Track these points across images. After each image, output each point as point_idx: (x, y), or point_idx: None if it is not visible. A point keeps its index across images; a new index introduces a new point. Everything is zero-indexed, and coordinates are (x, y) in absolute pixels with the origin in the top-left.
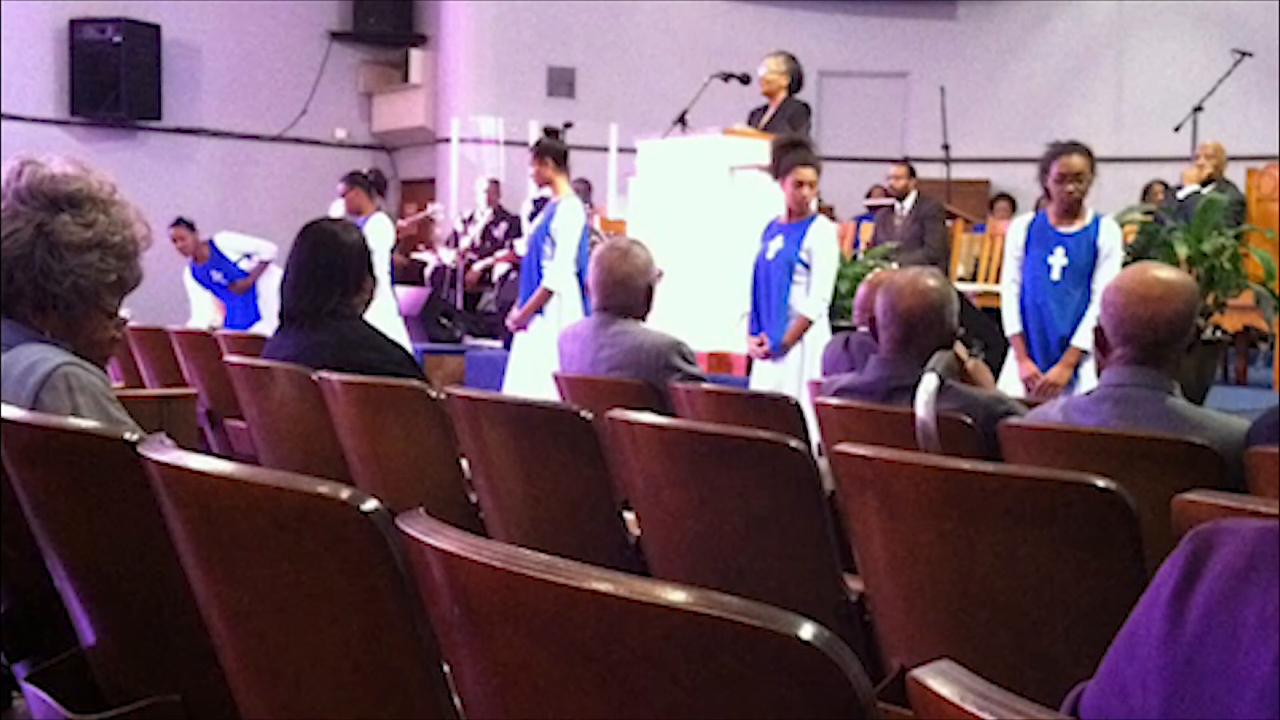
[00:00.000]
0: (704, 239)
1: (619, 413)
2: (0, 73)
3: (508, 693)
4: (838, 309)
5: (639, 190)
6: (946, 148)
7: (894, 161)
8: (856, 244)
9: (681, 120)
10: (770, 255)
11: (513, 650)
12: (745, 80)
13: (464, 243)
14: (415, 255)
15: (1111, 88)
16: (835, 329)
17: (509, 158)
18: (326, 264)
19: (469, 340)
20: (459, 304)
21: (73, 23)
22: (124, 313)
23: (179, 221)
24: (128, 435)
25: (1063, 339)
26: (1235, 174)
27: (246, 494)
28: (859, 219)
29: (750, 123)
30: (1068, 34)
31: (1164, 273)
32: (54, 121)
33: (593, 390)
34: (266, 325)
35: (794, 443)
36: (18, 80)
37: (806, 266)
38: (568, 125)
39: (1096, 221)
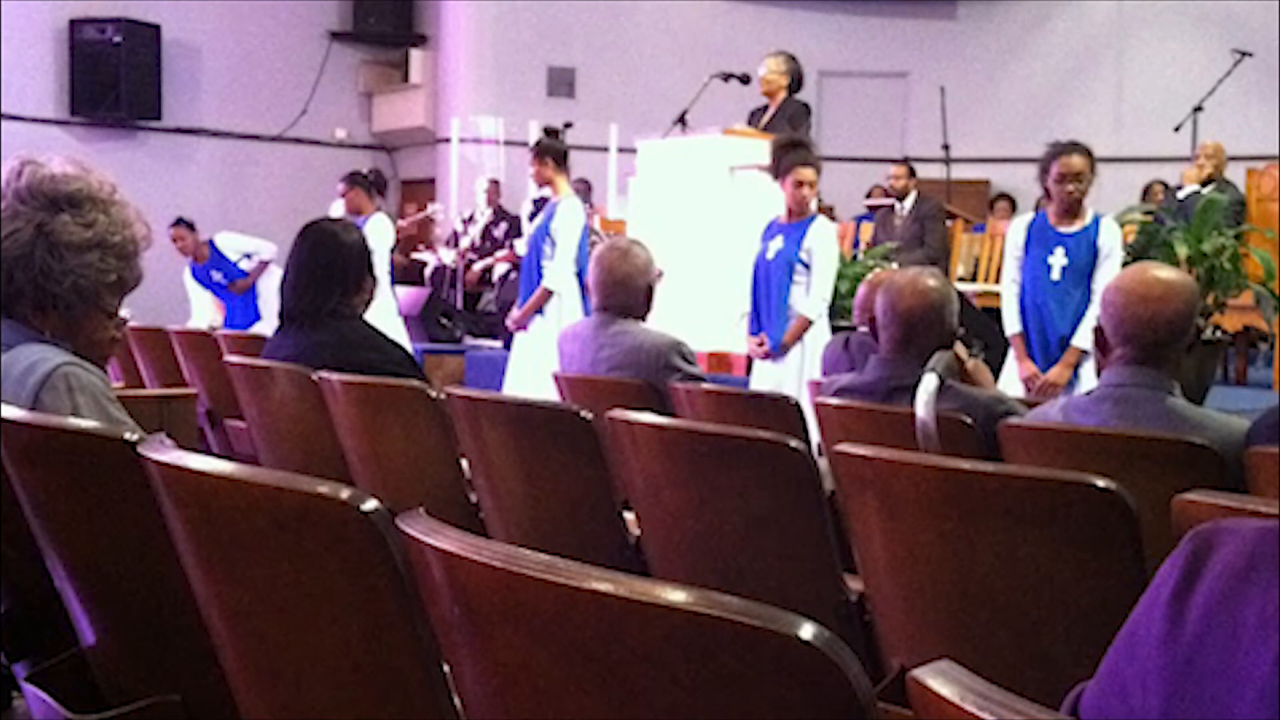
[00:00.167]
0: (704, 239)
1: (619, 413)
2: (0, 73)
3: (508, 693)
4: (838, 309)
5: (639, 190)
6: (946, 148)
7: (894, 161)
8: (856, 244)
9: (681, 120)
10: (770, 255)
11: (513, 650)
12: (745, 80)
13: (464, 243)
14: (415, 255)
15: (1111, 88)
16: (835, 329)
17: (509, 158)
18: (326, 264)
19: (469, 340)
20: (459, 304)
21: (73, 23)
22: (124, 313)
23: (179, 221)
24: (128, 435)
25: (1063, 339)
26: (1235, 174)
27: (246, 494)
28: (859, 219)
29: (750, 123)
30: (1068, 34)
31: (1164, 273)
32: (54, 121)
33: (593, 390)
34: (266, 325)
35: (794, 443)
36: (18, 80)
37: (806, 266)
38: (568, 125)
39: (1096, 221)
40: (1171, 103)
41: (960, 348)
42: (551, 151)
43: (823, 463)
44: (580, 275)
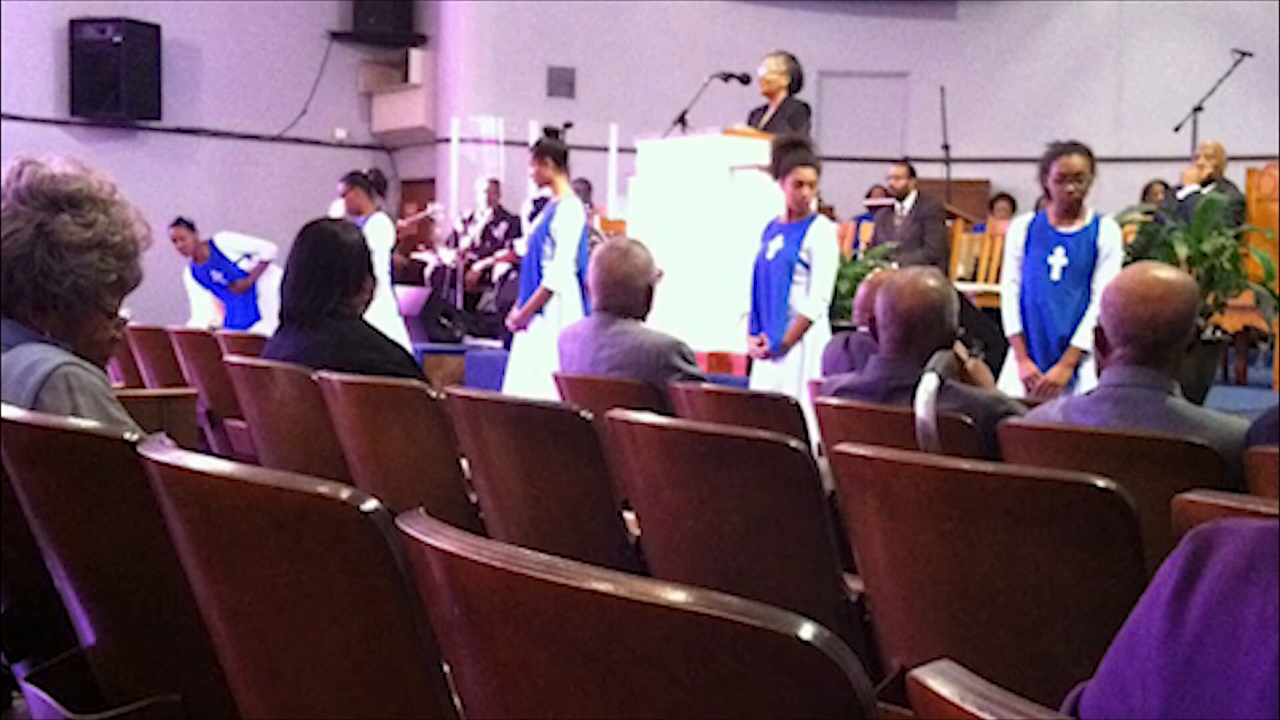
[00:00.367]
0: (704, 239)
1: (619, 413)
2: (0, 73)
3: (508, 693)
4: (838, 309)
5: (639, 190)
6: (946, 148)
7: (894, 161)
8: (856, 244)
9: (681, 120)
10: (770, 255)
11: (513, 650)
12: (745, 80)
13: (464, 243)
14: (415, 255)
15: (1111, 88)
16: (835, 329)
17: (509, 158)
18: (326, 264)
19: (469, 340)
20: (459, 304)
21: (73, 23)
22: (124, 313)
23: (179, 221)
24: (128, 435)
25: (1063, 339)
26: (1235, 174)
27: (246, 494)
28: (859, 219)
29: (750, 123)
30: (1068, 34)
31: (1164, 273)
32: (54, 121)
33: (593, 390)
34: (266, 325)
35: (794, 443)
36: (18, 80)
37: (806, 266)
38: (568, 125)
39: (1096, 221)
40: (1171, 103)
41: (960, 348)
42: (551, 151)
43: (823, 463)
44: (580, 275)
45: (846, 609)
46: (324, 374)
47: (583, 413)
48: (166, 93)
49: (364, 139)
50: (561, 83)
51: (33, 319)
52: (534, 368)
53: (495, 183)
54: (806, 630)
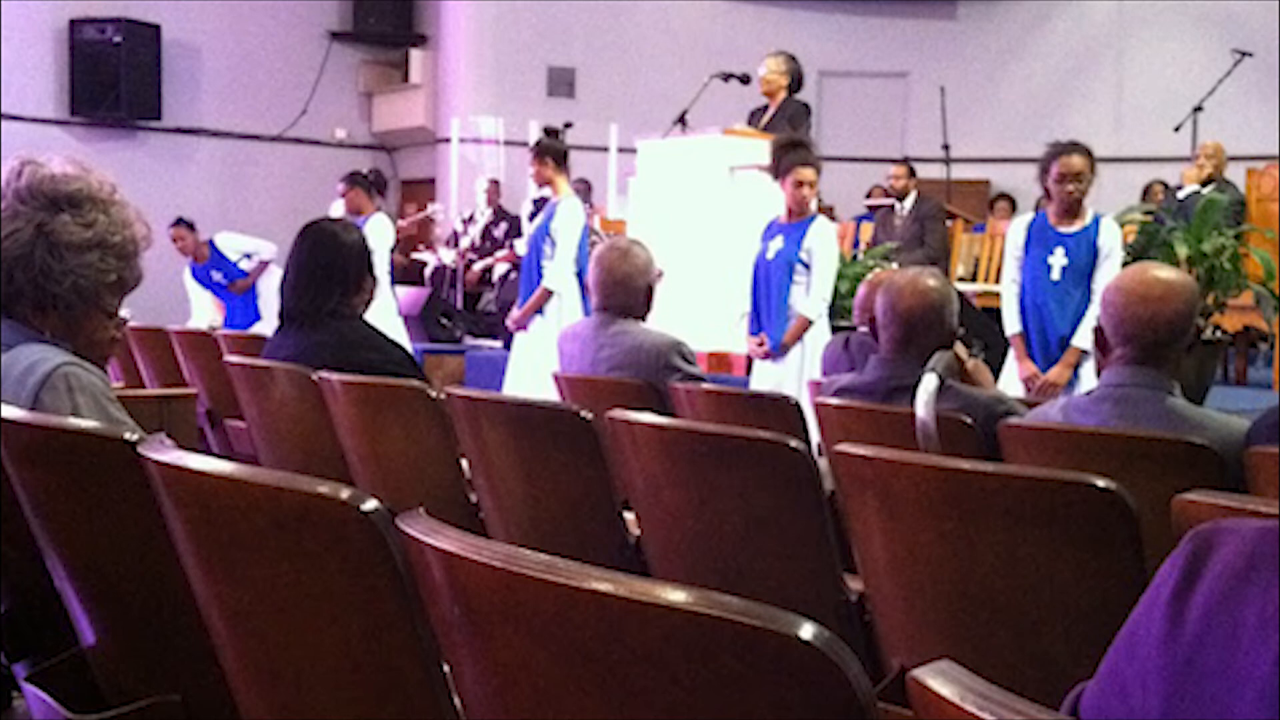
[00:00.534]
0: (704, 239)
1: (619, 413)
2: (0, 73)
3: (508, 693)
4: (838, 309)
5: (639, 190)
6: (946, 148)
7: (894, 161)
8: (856, 244)
9: (681, 120)
10: (770, 255)
11: (513, 650)
12: (745, 80)
13: (464, 243)
14: (415, 255)
15: (1111, 88)
16: (835, 329)
17: (509, 158)
18: (326, 264)
19: (469, 340)
20: (459, 304)
21: (73, 23)
22: (124, 313)
23: (179, 221)
24: (128, 435)
25: (1063, 339)
26: (1235, 174)
27: (246, 494)
28: (859, 219)
29: (750, 123)
30: (1068, 34)
31: (1164, 273)
32: (54, 121)
33: (593, 390)
34: (266, 325)
35: (794, 443)
36: (18, 80)
37: (806, 266)
38: (568, 125)
39: (1096, 221)
40: (1171, 103)
41: (960, 348)
42: (551, 151)
43: (823, 463)
44: (580, 275)
45: (846, 609)
46: (324, 374)
47: (583, 413)
48: (166, 93)
49: (364, 139)
50: (561, 83)
51: (33, 319)
52: (534, 368)
53: (495, 183)
54: (806, 630)
